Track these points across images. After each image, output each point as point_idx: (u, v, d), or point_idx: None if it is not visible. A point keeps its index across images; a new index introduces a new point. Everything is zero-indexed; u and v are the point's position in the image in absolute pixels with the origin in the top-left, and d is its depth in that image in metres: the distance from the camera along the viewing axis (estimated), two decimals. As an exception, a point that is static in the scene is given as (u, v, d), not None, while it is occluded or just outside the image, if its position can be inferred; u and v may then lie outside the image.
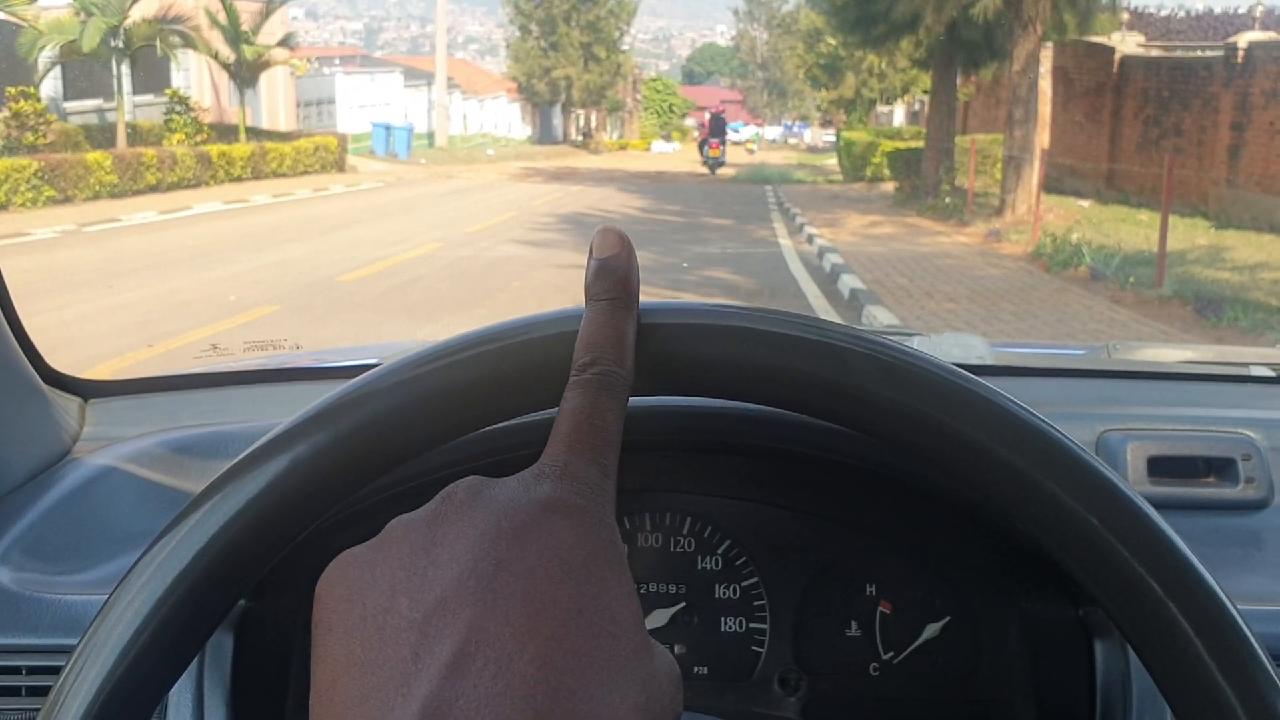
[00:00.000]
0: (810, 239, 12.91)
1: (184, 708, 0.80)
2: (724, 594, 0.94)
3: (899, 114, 38.54)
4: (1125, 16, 17.15)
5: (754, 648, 0.93)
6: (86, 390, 1.20)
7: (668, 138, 56.38)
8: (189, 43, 19.94)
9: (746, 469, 0.92)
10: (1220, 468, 1.05)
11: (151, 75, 21.30)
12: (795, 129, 68.21)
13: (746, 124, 61.26)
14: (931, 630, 0.93)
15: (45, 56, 17.98)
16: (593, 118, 50.02)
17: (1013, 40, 14.02)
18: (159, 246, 11.57)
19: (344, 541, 0.84)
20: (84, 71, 19.65)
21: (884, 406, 0.46)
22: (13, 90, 16.71)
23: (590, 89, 45.19)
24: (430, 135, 36.16)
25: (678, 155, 44.50)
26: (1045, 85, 16.86)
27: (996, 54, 15.44)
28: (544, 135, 48.10)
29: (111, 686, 0.43)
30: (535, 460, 0.80)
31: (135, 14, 18.57)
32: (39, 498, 0.98)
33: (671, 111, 67.12)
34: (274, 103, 27.24)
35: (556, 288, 8.94)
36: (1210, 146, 14.25)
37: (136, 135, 19.22)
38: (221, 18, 21.16)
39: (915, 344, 0.49)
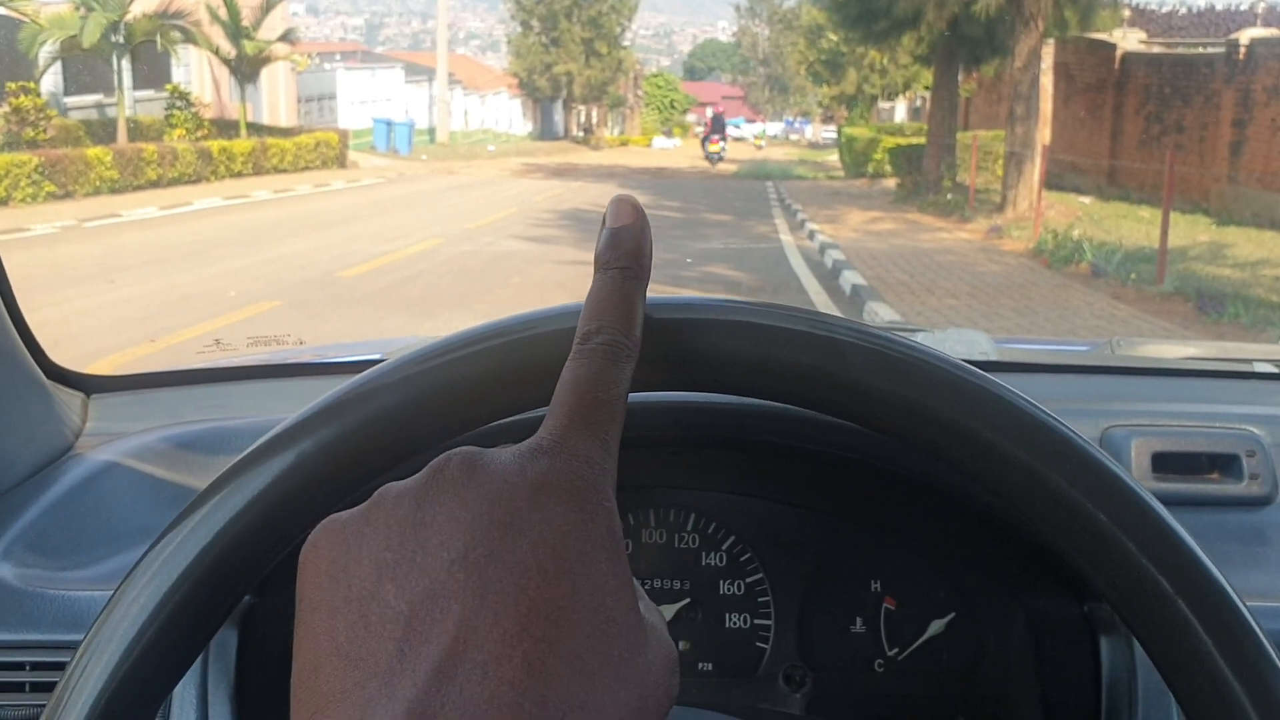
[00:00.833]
0: (811, 235, 12.92)
1: (188, 703, 0.80)
2: (728, 590, 0.94)
3: (900, 110, 38.53)
4: (1127, 13, 17.15)
5: (758, 644, 0.93)
6: (89, 385, 1.20)
7: (669, 134, 56.37)
8: (189, 38, 19.94)
9: (750, 465, 0.92)
10: (1224, 464, 1.04)
11: (152, 70, 21.30)
12: (796, 125, 68.22)
13: (749, 120, 61.21)
14: (936, 626, 0.92)
15: (46, 52, 17.98)
16: (594, 114, 50.01)
17: (1014, 37, 14.02)
18: (160, 242, 11.58)
19: None
20: (84, 67, 19.65)
21: (891, 402, 0.46)
22: (13, 85, 16.71)
23: (591, 85, 45.18)
24: (431, 131, 36.16)
25: (679, 151, 44.50)
26: (1047, 82, 16.86)
27: (998, 50, 15.45)
28: (545, 131, 48.09)
29: (117, 683, 0.43)
30: None
31: (136, 9, 18.57)
32: (41, 493, 0.98)
33: (673, 107, 67.13)
34: (275, 98, 27.24)
35: (557, 283, 8.95)
36: (1212, 143, 14.25)
37: (137, 130, 19.22)
38: (222, 13, 21.15)
39: (919, 340, 0.49)
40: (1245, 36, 14.03)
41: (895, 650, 0.93)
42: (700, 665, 0.93)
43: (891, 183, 19.54)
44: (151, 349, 6.28)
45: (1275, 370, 1.38)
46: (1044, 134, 15.56)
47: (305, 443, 0.45)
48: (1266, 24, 16.88)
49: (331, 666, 0.35)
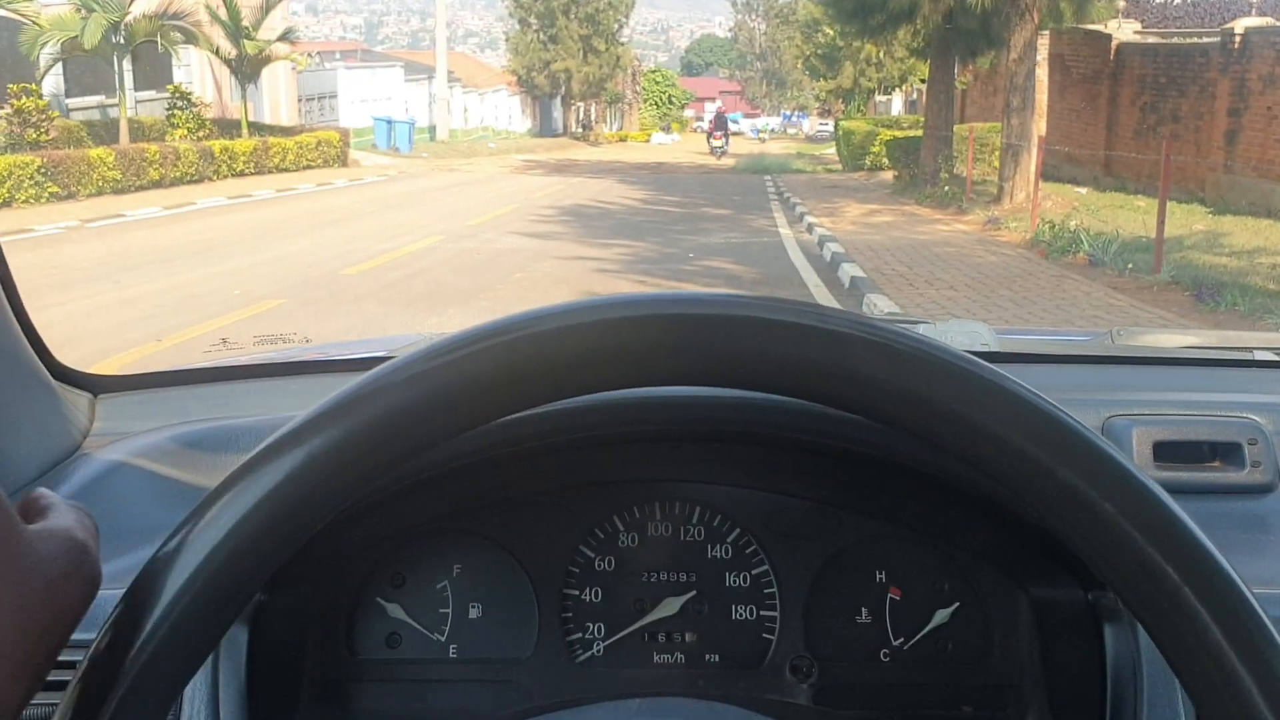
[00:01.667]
0: (810, 228, 12.96)
1: (199, 701, 0.80)
2: (734, 582, 0.95)
3: (897, 103, 38.52)
4: (1121, 4, 17.15)
5: (765, 635, 0.94)
6: (95, 385, 1.19)
7: (667, 129, 56.35)
8: (190, 38, 19.94)
9: (755, 458, 0.93)
10: (1226, 452, 1.05)
11: (153, 71, 21.30)
12: (794, 119, 68.14)
13: (748, 115, 61.09)
14: (941, 616, 0.93)
15: (47, 53, 17.99)
16: (592, 110, 49.97)
17: (1010, 29, 14.05)
18: (163, 241, 11.61)
19: (352, 535, 0.90)
20: (86, 68, 19.65)
21: (898, 395, 0.46)
22: (15, 87, 16.72)
23: (590, 81, 45.16)
24: (431, 129, 36.16)
25: (677, 146, 44.47)
26: (1042, 73, 16.91)
27: (994, 42, 15.46)
28: (544, 128, 48.07)
29: (131, 679, 0.44)
30: (546, 450, 0.87)
31: (136, 10, 18.56)
32: None
33: (670, 103, 67.04)
34: (275, 98, 27.24)
35: (558, 279, 9.00)
36: (1207, 132, 14.28)
37: (139, 131, 19.24)
38: (222, 13, 21.13)
39: (921, 332, 0.51)
40: (1240, 26, 14.07)
41: (901, 640, 0.93)
42: (707, 657, 0.94)
43: (889, 175, 19.57)
44: (157, 348, 6.32)
45: (1275, 358, 1.38)
46: (1040, 125, 15.60)
47: (316, 440, 0.45)
48: (1261, 13, 16.92)
49: None
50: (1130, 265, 9.33)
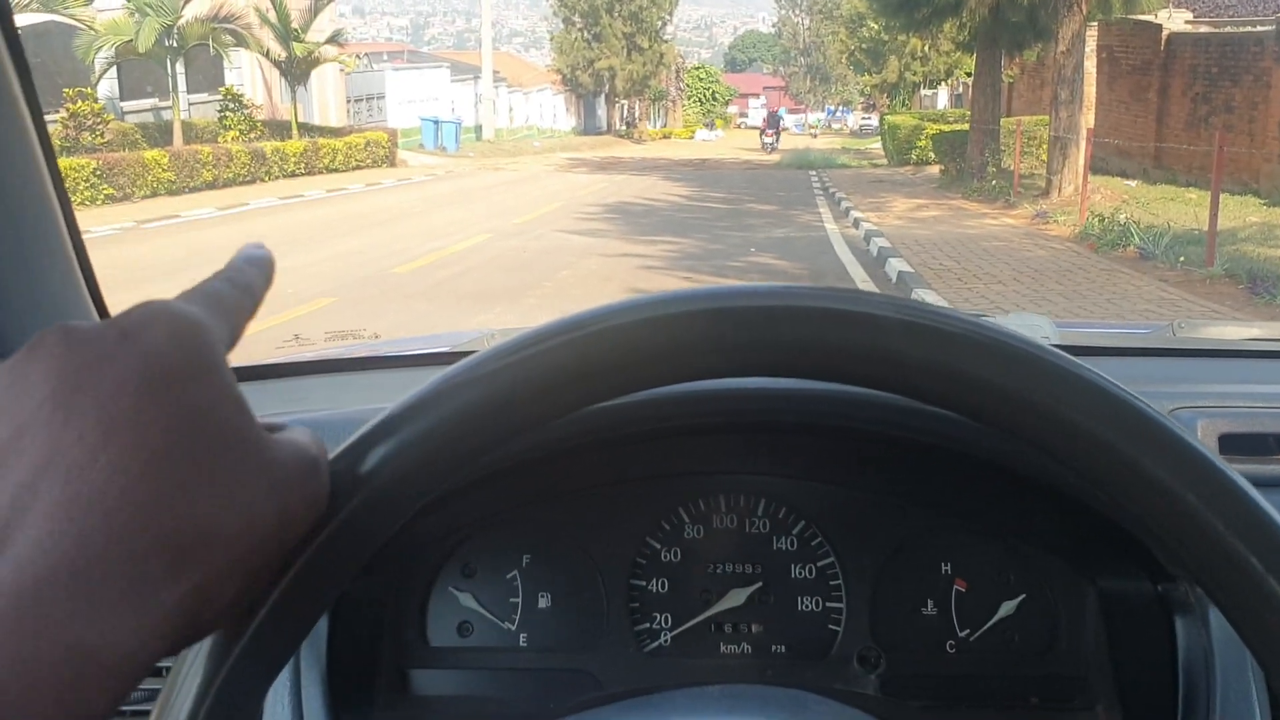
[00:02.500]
0: (856, 223, 12.92)
1: (281, 689, 0.82)
2: (800, 574, 0.95)
3: (943, 97, 38.20)
4: (1172, -6, 16.95)
5: (831, 626, 0.94)
6: None
7: (710, 126, 56.16)
8: (240, 41, 20.21)
9: (819, 449, 0.93)
10: None
11: (205, 74, 21.63)
12: (838, 114, 67.77)
13: (791, 111, 60.90)
14: (1007, 608, 0.93)
15: (102, 57, 18.32)
16: (636, 107, 50.02)
17: (1057, 20, 13.93)
18: (218, 242, 11.78)
19: (426, 526, 0.94)
20: (140, 71, 19.99)
21: (970, 383, 0.46)
22: (70, 91, 17.04)
23: (634, 79, 45.19)
24: (477, 128, 36.40)
25: (721, 143, 44.39)
26: (1091, 65, 16.72)
27: (1041, 35, 15.31)
28: (588, 126, 48.17)
29: (227, 670, 0.45)
30: (613, 443, 0.92)
31: (188, 13, 18.85)
32: None
33: (714, 99, 66.86)
34: (325, 99, 27.55)
35: (605, 276, 9.05)
36: (1262, 122, 14.05)
37: (192, 133, 19.53)
38: (271, 16, 21.39)
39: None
40: (1294, 14, 13.84)
41: (967, 632, 0.93)
42: (774, 648, 0.94)
43: (935, 170, 19.46)
44: (225, 344, 6.45)
45: (1340, 350, 1.34)
46: (1088, 118, 15.44)
47: (404, 432, 0.46)
48: (1316, 1, 16.64)
49: None
50: (1182, 258, 9.21)
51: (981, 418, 0.47)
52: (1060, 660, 0.92)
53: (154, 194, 15.88)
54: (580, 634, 0.95)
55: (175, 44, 18.87)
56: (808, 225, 13.26)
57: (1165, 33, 16.49)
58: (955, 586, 0.94)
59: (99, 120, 17.28)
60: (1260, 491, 0.41)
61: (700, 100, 65.34)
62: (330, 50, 23.24)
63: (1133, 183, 15.01)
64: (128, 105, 20.51)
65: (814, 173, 22.88)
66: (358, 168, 21.68)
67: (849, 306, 0.47)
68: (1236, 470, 0.41)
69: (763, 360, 0.47)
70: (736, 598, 0.94)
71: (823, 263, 10.03)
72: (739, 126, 66.40)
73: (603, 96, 47.28)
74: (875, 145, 33.99)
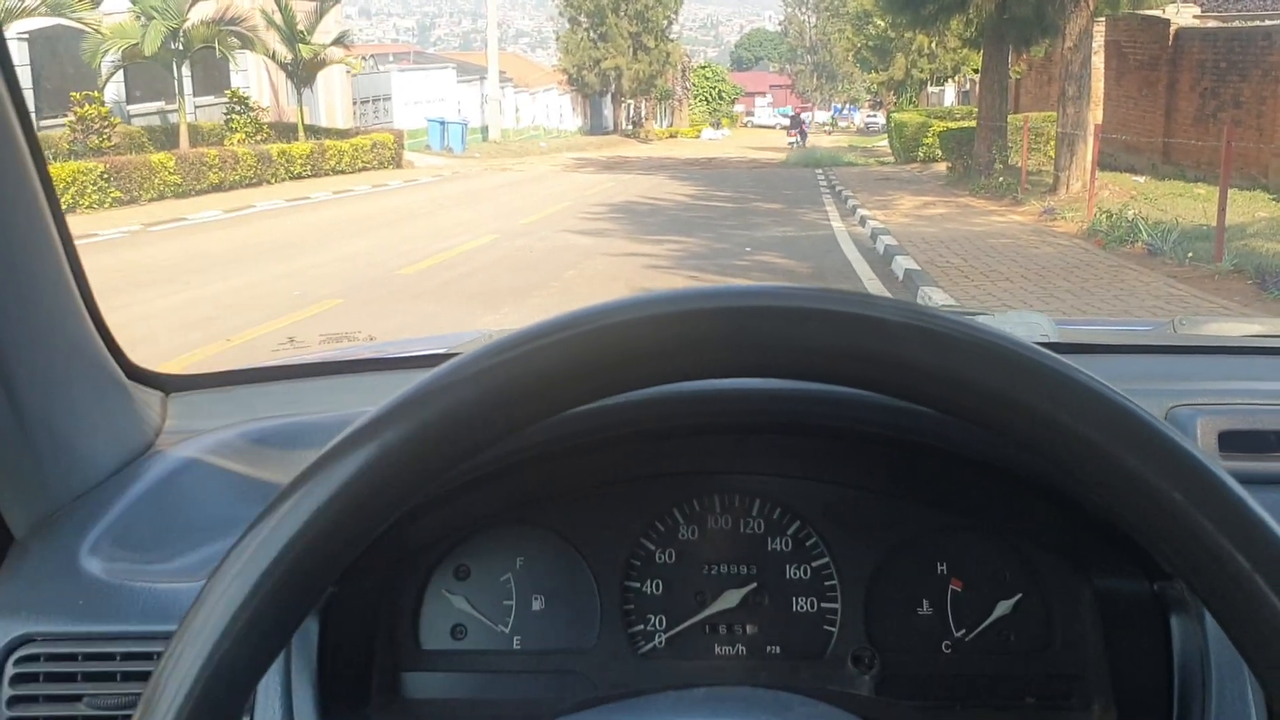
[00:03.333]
0: (863, 221, 12.89)
1: (272, 690, 0.82)
2: (795, 574, 0.95)
3: (950, 94, 38.12)
4: (1180, -12, 16.88)
5: (826, 627, 0.94)
6: (167, 384, 1.20)
7: (717, 124, 56.18)
8: (246, 43, 20.23)
9: (814, 449, 0.94)
10: None
11: (211, 76, 21.68)
12: (845, 112, 67.72)
13: (797, 108, 60.80)
14: (1003, 607, 0.93)
15: (108, 61, 18.33)
16: (642, 107, 50.00)
17: (1065, 16, 13.87)
18: (225, 244, 11.81)
19: (419, 528, 0.94)
20: (146, 74, 20.02)
21: (959, 385, 0.46)
22: (77, 95, 17.08)
23: (640, 78, 45.17)
24: (484, 129, 36.43)
25: (728, 141, 44.40)
26: (1098, 61, 16.66)
27: (1048, 30, 15.26)
28: (594, 126, 48.17)
29: (212, 669, 0.45)
30: (606, 443, 0.90)
31: (194, 16, 18.88)
32: (125, 490, 0.98)
33: (721, 98, 66.80)
34: (331, 100, 27.59)
35: (612, 276, 9.04)
36: (1270, 117, 13.98)
37: (198, 136, 19.57)
38: (277, 18, 21.43)
39: (981, 323, 0.51)
40: (1304, 8, 13.77)
41: (963, 631, 0.93)
42: (769, 649, 0.94)
43: (942, 167, 19.41)
44: (225, 347, 6.45)
45: (1344, 347, 1.33)
46: (1096, 114, 15.38)
47: (388, 434, 0.46)
48: (1325, -5, 16.56)
49: None
50: (1190, 254, 9.17)
51: (972, 418, 0.47)
52: (1056, 659, 0.92)
53: (161, 197, 15.90)
54: (575, 636, 0.95)
55: (181, 47, 18.90)
56: (814, 223, 13.25)
57: (1173, 27, 16.42)
58: (951, 586, 0.94)
59: (106, 123, 17.32)
60: (1260, 489, 0.39)
61: (706, 99, 65.28)
62: (336, 52, 23.27)
63: (1141, 179, 14.95)
64: (134, 108, 20.57)
65: (820, 171, 22.85)
66: (364, 169, 21.70)
67: (835, 307, 0.47)
68: (1235, 467, 0.40)
69: (745, 361, 0.47)
70: (731, 599, 0.94)
71: (829, 261, 10.03)
72: (745, 125, 66.38)
73: (609, 96, 47.25)
74: (882, 143, 33.94)
